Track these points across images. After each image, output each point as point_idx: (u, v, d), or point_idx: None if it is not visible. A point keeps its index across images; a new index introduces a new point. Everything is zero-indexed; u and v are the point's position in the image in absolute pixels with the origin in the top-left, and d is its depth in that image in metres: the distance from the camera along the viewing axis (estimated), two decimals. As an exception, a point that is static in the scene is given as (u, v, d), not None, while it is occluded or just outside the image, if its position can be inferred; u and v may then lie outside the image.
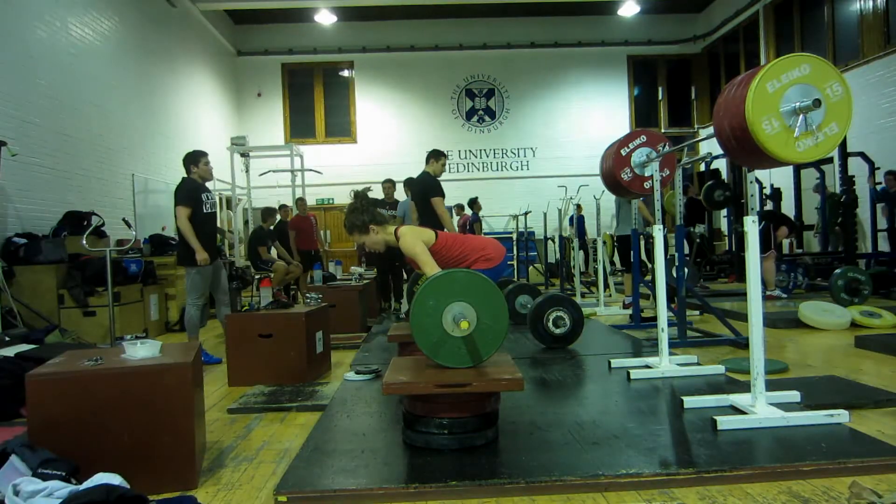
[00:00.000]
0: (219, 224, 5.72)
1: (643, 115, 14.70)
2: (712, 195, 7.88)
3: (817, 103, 2.43)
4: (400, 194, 7.19)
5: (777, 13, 11.76)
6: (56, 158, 6.62)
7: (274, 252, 8.67)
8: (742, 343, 4.61)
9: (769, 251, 7.37)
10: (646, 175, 4.16)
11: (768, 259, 7.37)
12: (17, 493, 1.85)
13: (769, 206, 9.99)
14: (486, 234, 12.48)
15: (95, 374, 2.27)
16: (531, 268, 12.68)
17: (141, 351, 2.41)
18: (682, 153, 5.52)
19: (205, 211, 4.80)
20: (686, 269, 5.19)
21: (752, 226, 2.76)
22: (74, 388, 2.24)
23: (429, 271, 3.02)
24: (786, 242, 9.89)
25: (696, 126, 14.45)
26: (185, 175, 4.88)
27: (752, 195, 2.84)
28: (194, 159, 4.86)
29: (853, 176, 8.36)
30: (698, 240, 9.39)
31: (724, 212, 11.60)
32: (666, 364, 3.75)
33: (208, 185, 5.05)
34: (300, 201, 9.27)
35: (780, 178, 10.35)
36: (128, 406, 2.26)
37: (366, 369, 4.03)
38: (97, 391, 2.25)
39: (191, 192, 4.76)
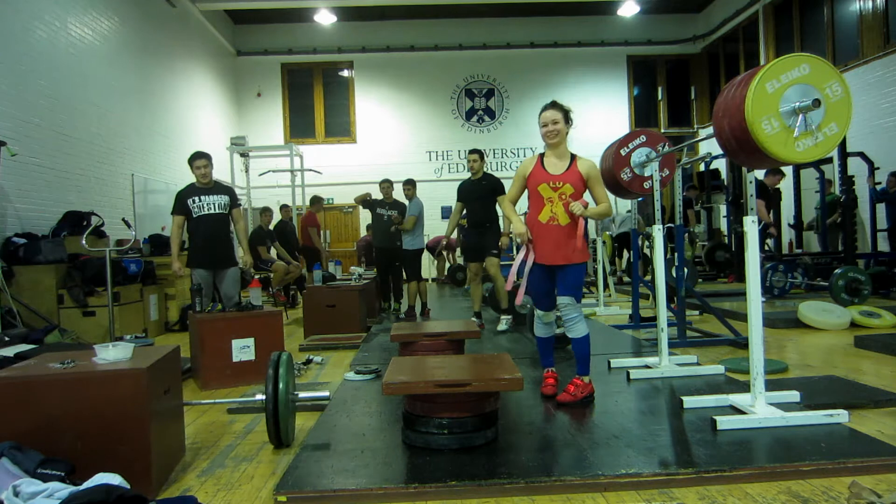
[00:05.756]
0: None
1: (643, 115, 14.70)
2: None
3: (817, 103, 2.43)
4: (398, 194, 7.18)
5: (777, 13, 11.76)
6: (56, 158, 6.62)
7: (273, 252, 8.68)
8: (742, 343, 4.61)
9: None
10: (645, 175, 4.17)
11: None
12: (17, 493, 1.85)
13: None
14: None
15: (45, 380, 2.19)
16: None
17: (112, 353, 2.36)
18: (682, 153, 5.50)
19: (195, 215, 4.68)
20: (686, 269, 5.19)
21: (751, 226, 2.77)
22: (26, 394, 2.17)
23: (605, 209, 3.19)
24: (785, 242, 9.91)
25: (695, 126, 14.45)
26: None
27: (751, 195, 2.84)
28: (189, 162, 4.78)
29: (853, 176, 8.36)
30: (697, 239, 9.39)
31: (723, 211, 11.61)
32: (666, 364, 3.75)
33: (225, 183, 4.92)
34: (317, 199, 9.24)
35: (779, 178, 10.34)
36: (80, 413, 2.18)
37: (366, 369, 4.04)
38: (48, 397, 2.17)
39: (178, 199, 4.73)
